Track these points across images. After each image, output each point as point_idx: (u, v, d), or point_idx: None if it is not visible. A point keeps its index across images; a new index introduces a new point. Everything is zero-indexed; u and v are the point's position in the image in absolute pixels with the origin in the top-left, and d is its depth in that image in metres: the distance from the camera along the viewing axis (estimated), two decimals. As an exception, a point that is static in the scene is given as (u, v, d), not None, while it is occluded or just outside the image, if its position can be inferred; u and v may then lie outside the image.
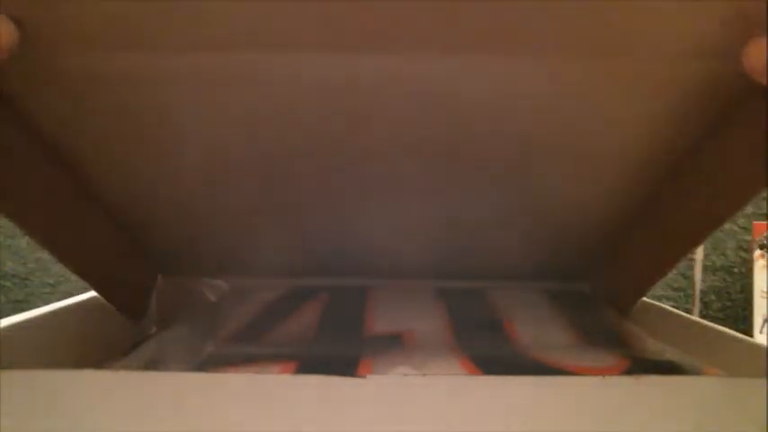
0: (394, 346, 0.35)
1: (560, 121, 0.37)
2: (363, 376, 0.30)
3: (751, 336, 0.62)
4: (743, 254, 0.76)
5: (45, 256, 0.76)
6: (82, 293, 0.45)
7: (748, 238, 0.75)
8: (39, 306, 0.38)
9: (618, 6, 0.28)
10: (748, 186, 0.34)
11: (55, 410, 0.25)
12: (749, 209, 0.75)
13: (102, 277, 0.44)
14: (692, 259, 0.76)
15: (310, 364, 0.30)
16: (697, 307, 0.76)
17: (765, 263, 0.62)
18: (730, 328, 0.34)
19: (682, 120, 0.35)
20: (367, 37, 0.36)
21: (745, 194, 0.35)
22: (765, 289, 0.61)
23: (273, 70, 0.47)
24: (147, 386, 0.25)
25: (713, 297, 0.76)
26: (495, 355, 0.32)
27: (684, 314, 0.39)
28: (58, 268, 0.76)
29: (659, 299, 0.75)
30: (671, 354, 0.35)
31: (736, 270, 0.76)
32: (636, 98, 0.34)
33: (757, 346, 0.31)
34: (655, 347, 0.36)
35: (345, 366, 0.29)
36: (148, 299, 0.48)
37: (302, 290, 0.46)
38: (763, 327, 0.62)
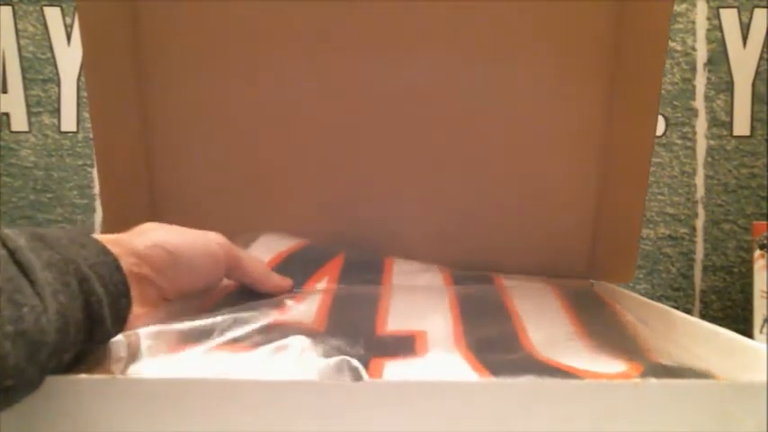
0: (405, 347, 0.35)
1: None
2: (378, 377, 0.29)
3: (751, 336, 0.62)
4: (743, 254, 0.76)
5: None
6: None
7: (748, 238, 0.75)
8: (39, 306, 0.37)
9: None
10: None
11: (55, 411, 0.25)
12: (749, 209, 0.75)
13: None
14: (692, 259, 0.76)
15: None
16: (697, 307, 0.76)
17: (765, 263, 0.62)
18: (730, 328, 0.34)
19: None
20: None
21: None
22: (765, 289, 0.61)
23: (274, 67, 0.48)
24: (148, 387, 0.25)
25: (713, 297, 0.76)
26: (505, 358, 0.32)
27: (685, 314, 0.39)
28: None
29: (659, 299, 0.75)
30: (681, 358, 0.34)
31: (736, 270, 0.76)
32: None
33: (757, 347, 0.31)
34: (664, 351, 0.36)
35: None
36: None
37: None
38: (763, 327, 0.61)
